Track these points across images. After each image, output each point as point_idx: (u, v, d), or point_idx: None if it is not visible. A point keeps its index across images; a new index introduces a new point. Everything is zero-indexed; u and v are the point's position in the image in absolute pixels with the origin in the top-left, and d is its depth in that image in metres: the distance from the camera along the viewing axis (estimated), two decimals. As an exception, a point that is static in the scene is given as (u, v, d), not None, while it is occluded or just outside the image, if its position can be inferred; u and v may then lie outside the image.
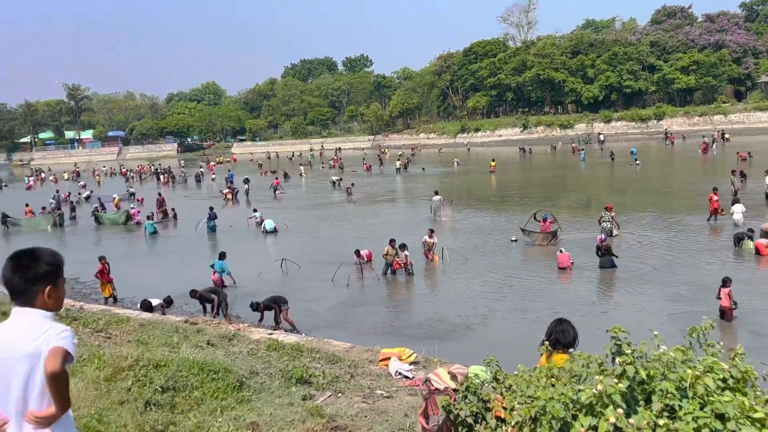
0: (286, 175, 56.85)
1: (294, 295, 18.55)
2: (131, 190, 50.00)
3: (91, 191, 51.30)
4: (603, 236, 20.53)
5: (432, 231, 22.29)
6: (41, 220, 36.22)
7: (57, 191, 46.16)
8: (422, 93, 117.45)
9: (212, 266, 20.17)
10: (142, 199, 42.45)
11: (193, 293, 16.47)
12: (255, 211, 32.60)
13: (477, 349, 11.75)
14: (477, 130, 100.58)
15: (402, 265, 19.93)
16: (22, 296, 3.02)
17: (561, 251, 19.88)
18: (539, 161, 64.37)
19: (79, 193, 48.34)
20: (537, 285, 18.27)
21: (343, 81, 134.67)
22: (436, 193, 32.70)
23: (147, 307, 15.76)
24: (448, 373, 7.80)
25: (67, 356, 2.89)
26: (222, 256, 20.46)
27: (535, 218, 25.17)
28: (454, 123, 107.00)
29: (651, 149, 67.65)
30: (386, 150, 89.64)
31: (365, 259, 21.21)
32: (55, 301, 3.09)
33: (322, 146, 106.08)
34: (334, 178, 49.18)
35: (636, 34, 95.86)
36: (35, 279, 3.01)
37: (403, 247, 20.19)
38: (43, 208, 38.62)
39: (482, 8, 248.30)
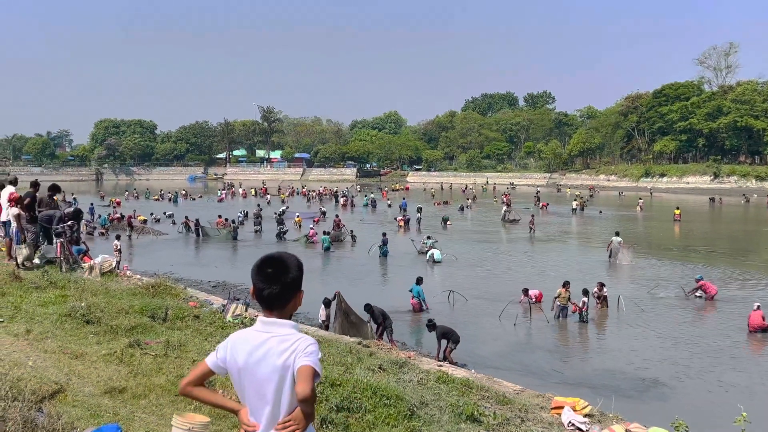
0: (462, 208, 57.16)
1: (459, 329, 18.49)
2: (323, 209, 52.30)
3: (287, 206, 54.67)
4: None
5: (602, 284, 21.16)
6: (223, 231, 38.74)
7: (258, 206, 49.07)
8: (605, 133, 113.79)
9: (411, 291, 20.61)
10: (318, 220, 44.13)
11: (368, 307, 16.91)
12: (429, 238, 33.04)
13: (657, 410, 11.04)
14: (662, 175, 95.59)
15: (579, 309, 19.17)
16: (278, 304, 3.07)
17: (755, 308, 18.06)
18: (730, 213, 59.84)
19: (276, 212, 50.07)
20: (723, 346, 16.80)
21: (523, 116, 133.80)
22: (617, 234, 31.51)
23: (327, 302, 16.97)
24: (626, 431, 7.36)
25: (315, 375, 2.92)
26: (419, 281, 20.86)
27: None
28: (638, 166, 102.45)
29: None
30: (567, 189, 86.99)
31: (533, 299, 20.71)
32: (296, 308, 3.20)
33: (486, 181, 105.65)
34: (505, 211, 48.70)
35: None
36: (292, 286, 3.08)
37: (585, 293, 19.40)
38: (233, 221, 40.93)
39: (674, 50, 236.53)
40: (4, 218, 15.39)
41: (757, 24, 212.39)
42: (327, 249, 33.00)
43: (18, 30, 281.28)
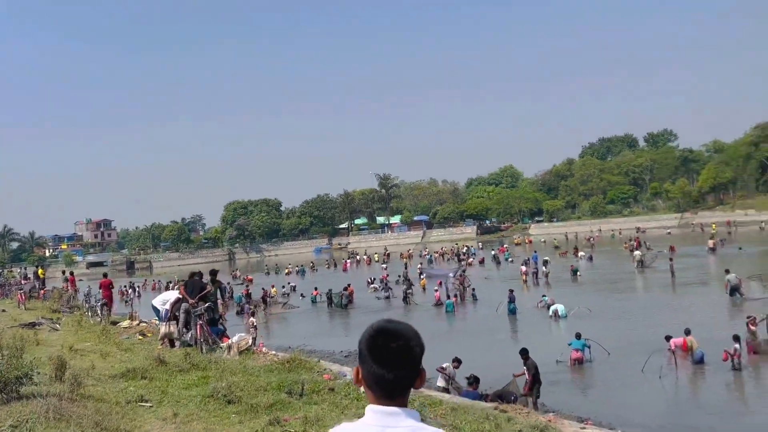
0: (590, 258, 55.59)
1: (600, 383, 17.80)
2: (464, 268, 52.09)
3: (420, 265, 56.03)
4: None
5: (754, 318, 19.94)
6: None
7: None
8: (736, 166, 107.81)
9: (570, 344, 20.43)
10: (441, 282, 43.33)
11: (525, 352, 16.52)
12: (544, 296, 32.36)
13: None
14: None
15: (730, 356, 17.85)
16: (402, 390, 2.32)
17: None
18: None
19: (400, 275, 49.90)
20: None
21: (645, 157, 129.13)
22: (728, 271, 30.29)
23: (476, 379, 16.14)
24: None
25: None
26: (578, 336, 20.68)
27: None
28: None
29: None
30: (712, 225, 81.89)
31: (673, 348, 19.48)
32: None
33: (599, 229, 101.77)
34: (638, 257, 46.52)
35: None
36: (419, 364, 2.33)
37: (736, 339, 18.14)
38: (344, 289, 40.84)
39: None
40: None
41: None
42: (449, 311, 33.06)
43: (148, 124, 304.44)
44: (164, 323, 15.65)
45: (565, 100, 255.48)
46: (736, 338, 18.13)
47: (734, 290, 29.06)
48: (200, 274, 16.54)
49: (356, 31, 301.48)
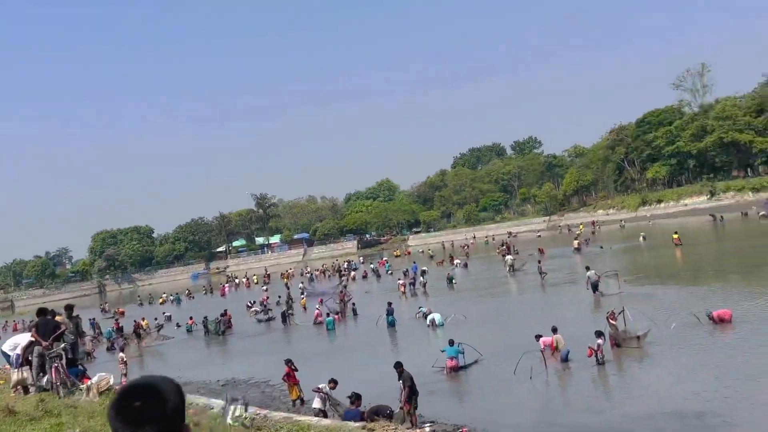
0: (465, 265, 56.99)
1: (475, 388, 18.11)
2: (344, 282, 51.86)
3: (302, 285, 55.54)
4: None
5: (612, 312, 21.21)
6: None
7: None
8: (596, 168, 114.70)
9: (443, 351, 20.65)
10: (322, 300, 43.05)
11: (399, 365, 16.56)
12: (420, 307, 32.89)
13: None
14: (659, 201, 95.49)
15: (594, 352, 18.68)
16: None
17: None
18: (734, 229, 59.36)
19: (280, 296, 48.88)
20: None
21: (513, 165, 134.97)
22: (588, 268, 32.34)
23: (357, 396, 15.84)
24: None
25: None
26: (452, 342, 20.91)
27: None
28: (634, 196, 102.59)
29: None
30: (580, 226, 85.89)
31: (543, 347, 20.24)
32: None
33: (474, 236, 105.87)
34: (510, 261, 48.12)
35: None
36: (173, 422, 2.13)
37: (599, 334, 19.02)
38: (221, 314, 39.72)
39: (649, 78, 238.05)
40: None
41: (724, 43, 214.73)
42: (330, 329, 32.91)
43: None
44: (16, 370, 14.46)
45: (435, 112, 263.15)
46: (599, 334, 19.03)
47: (595, 287, 30.78)
48: (53, 313, 15.41)
49: (222, 43, 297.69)
